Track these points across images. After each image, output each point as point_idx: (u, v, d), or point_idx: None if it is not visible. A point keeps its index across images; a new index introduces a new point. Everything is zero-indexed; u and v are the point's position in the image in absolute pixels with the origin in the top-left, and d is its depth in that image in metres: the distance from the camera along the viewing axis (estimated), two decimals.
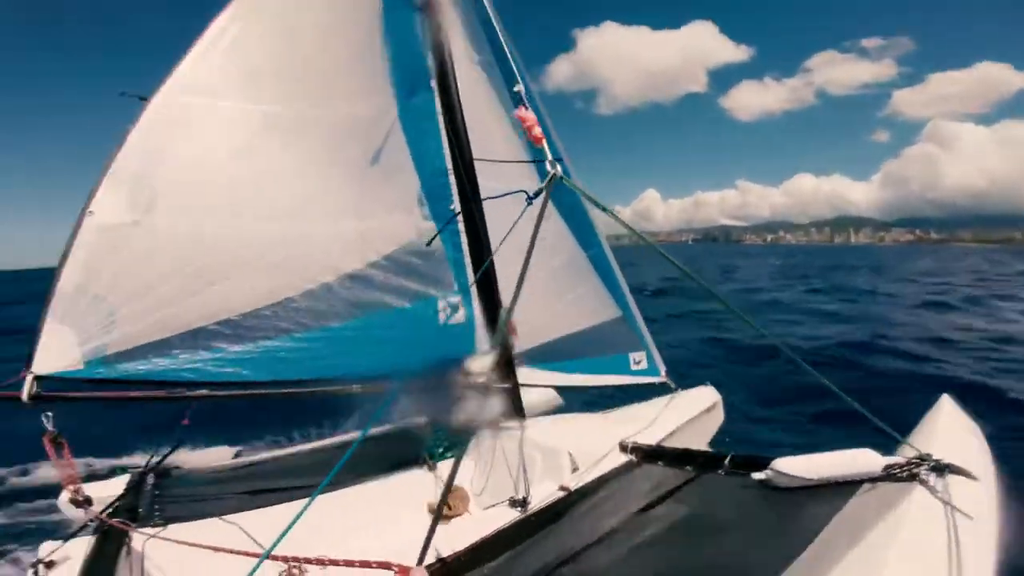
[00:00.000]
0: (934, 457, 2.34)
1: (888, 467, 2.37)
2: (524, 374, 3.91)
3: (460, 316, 3.32)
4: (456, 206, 3.29)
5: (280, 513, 2.65)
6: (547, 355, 4.05)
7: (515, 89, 2.69)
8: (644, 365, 4.28)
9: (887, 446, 2.73)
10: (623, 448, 3.32)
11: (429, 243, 3.21)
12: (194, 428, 3.56)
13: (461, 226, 3.33)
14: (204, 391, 2.75)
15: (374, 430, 3.73)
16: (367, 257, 3.08)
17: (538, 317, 3.93)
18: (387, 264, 3.17)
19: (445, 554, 2.26)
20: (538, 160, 2.31)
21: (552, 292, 4.00)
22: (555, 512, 2.69)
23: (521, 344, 3.92)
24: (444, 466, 3.25)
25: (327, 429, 5.26)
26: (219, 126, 2.80)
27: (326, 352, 2.99)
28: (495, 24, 3.29)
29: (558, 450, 3.10)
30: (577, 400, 4.61)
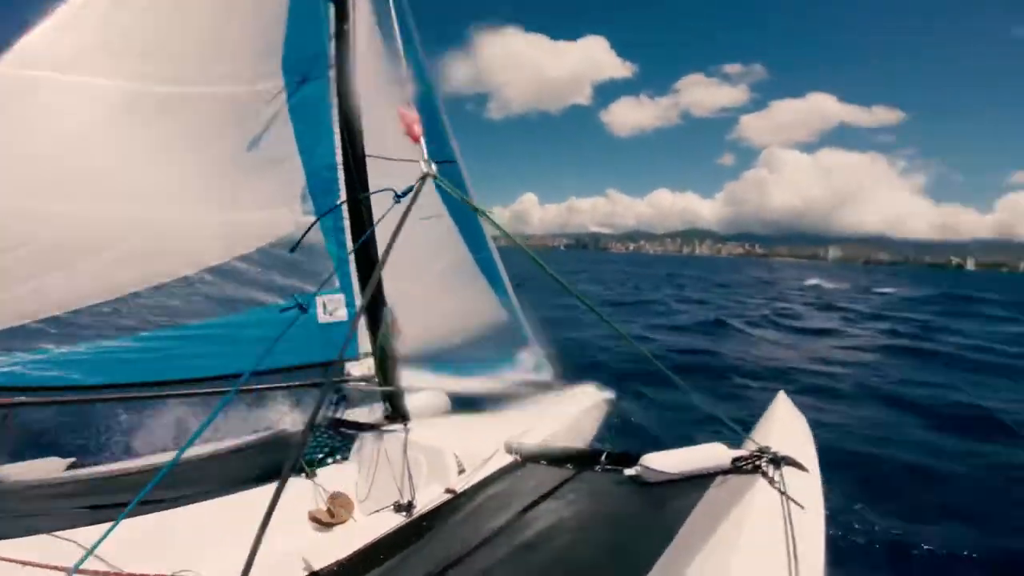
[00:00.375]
0: (772, 450, 2.62)
1: (735, 460, 2.65)
2: (409, 376, 3.82)
3: (341, 314, 3.15)
4: (341, 201, 3.12)
5: (123, 528, 2.36)
6: (433, 356, 3.98)
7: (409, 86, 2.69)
8: (532, 365, 4.35)
9: (734, 438, 3.04)
10: (508, 449, 3.36)
11: (294, 248, 3.01)
12: (26, 438, 3.08)
13: (347, 222, 3.17)
14: (22, 398, 2.36)
15: (247, 437, 3.45)
16: (235, 250, 2.84)
17: (425, 318, 3.85)
18: (259, 258, 2.94)
19: (327, 563, 2.18)
20: (411, 160, 2.27)
21: (439, 293, 3.95)
22: (441, 515, 2.67)
23: (406, 345, 3.82)
24: (325, 473, 3.05)
25: (182, 437, 4.79)
26: (67, 101, 2.48)
27: (182, 352, 2.71)
28: (405, 18, 3.21)
29: (443, 452, 3.07)
30: (465, 401, 4.58)
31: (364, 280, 3.18)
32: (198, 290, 2.75)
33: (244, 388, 2.81)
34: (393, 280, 3.19)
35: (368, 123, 3.22)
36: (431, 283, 3.86)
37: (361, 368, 3.41)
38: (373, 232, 3.06)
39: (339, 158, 3.11)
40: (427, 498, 2.80)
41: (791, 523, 2.08)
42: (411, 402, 3.66)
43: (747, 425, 3.28)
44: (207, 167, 2.81)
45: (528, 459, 3.29)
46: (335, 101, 3.09)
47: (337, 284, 3.14)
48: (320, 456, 3.26)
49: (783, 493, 2.31)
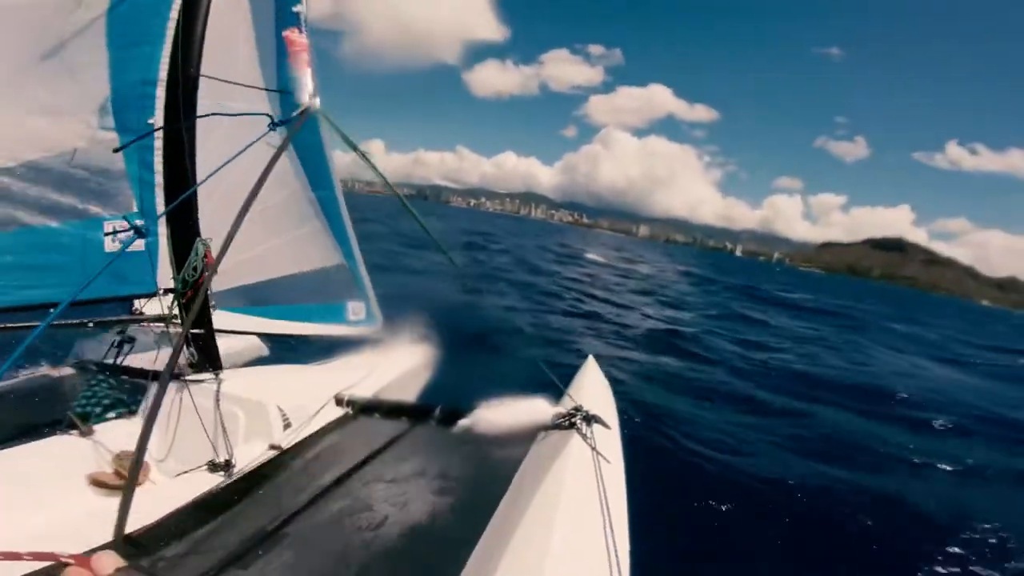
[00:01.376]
0: (585, 409, 2.93)
1: (555, 416, 2.90)
2: (224, 318, 3.35)
3: (138, 244, 2.58)
4: (157, 121, 2.56)
5: None
6: (253, 298, 3.56)
7: (295, 9, 2.42)
8: (362, 315, 4.15)
9: (556, 392, 3.34)
10: (339, 402, 3.20)
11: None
12: None
13: (158, 143, 2.61)
14: None
15: None
16: None
17: (246, 255, 3.39)
18: (27, 172, 2.29)
19: (128, 530, 1.82)
20: (286, 92, 1.98)
21: (267, 229, 3.49)
22: (267, 473, 2.44)
23: (223, 284, 3.33)
24: (104, 429, 2.52)
25: None
26: None
27: None
28: None
29: (265, 405, 2.77)
30: (284, 349, 4.20)
31: (178, 208, 2.64)
32: None
33: (6, 327, 2.19)
34: (215, 210, 2.72)
35: (215, 42, 2.69)
36: (261, 217, 3.39)
37: (156, 308, 2.86)
38: (193, 156, 2.56)
39: (163, 74, 2.56)
40: (249, 456, 2.51)
41: (601, 476, 2.34)
42: (223, 348, 3.22)
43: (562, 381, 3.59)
44: None
45: (360, 412, 3.18)
46: (175, 13, 2.55)
47: (135, 209, 2.56)
48: (98, 409, 2.71)
49: (594, 449, 2.60)
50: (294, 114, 1.78)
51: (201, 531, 1.98)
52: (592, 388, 3.75)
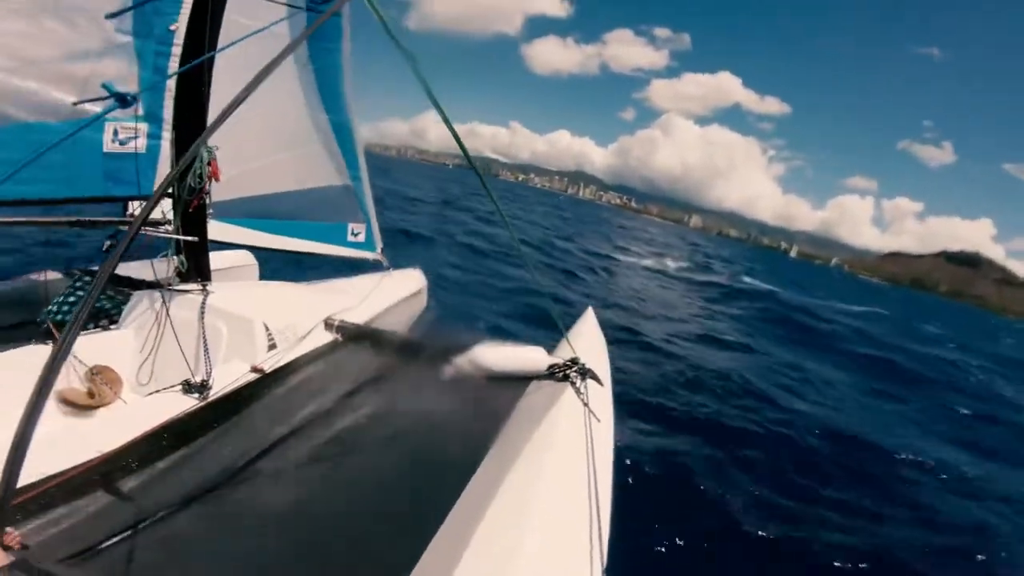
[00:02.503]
0: (580, 362, 2.89)
1: (550, 367, 2.85)
2: (219, 228, 3.15)
3: (139, 144, 2.34)
4: (177, 27, 2.27)
5: None
6: (252, 210, 3.35)
7: None
8: (362, 238, 4.00)
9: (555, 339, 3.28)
10: (328, 326, 3.08)
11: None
12: None
13: (176, 49, 2.31)
14: None
15: None
16: None
17: (252, 164, 3.15)
18: (18, 67, 2.00)
19: (89, 454, 1.72)
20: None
21: (276, 140, 3.25)
22: (245, 397, 2.31)
23: (223, 192, 3.10)
24: (82, 340, 2.30)
25: None
26: None
27: None
28: None
29: (251, 322, 2.61)
30: (277, 267, 4.03)
31: (184, 110, 2.38)
32: None
33: None
34: (232, 120, 2.45)
35: None
36: (272, 127, 3.12)
37: (156, 208, 2.64)
38: (212, 61, 2.27)
39: None
40: (228, 378, 2.36)
41: (591, 433, 2.32)
42: (215, 259, 3.05)
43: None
44: None
45: (350, 339, 3.08)
46: None
47: (140, 111, 2.29)
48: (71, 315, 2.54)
49: (586, 405, 2.59)
50: None
51: (165, 459, 1.88)
52: (589, 341, 3.70)
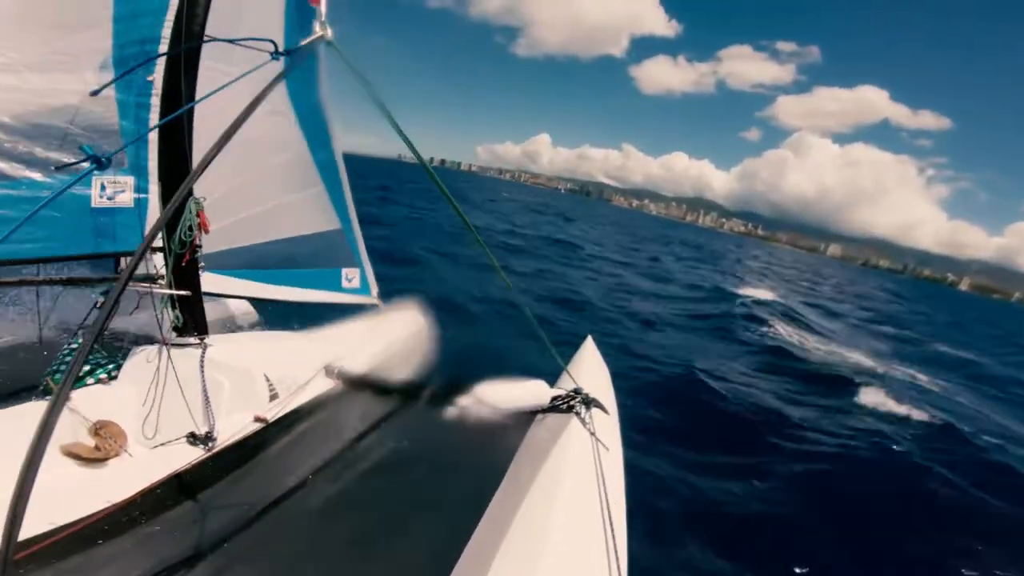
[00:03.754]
0: (583, 392, 2.88)
1: (554, 399, 2.85)
2: (213, 280, 3.19)
3: (125, 199, 2.40)
4: (156, 79, 2.37)
5: None
6: (245, 261, 3.39)
7: None
8: (356, 283, 4.03)
9: (555, 369, 3.25)
10: (328, 373, 3.10)
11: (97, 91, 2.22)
12: None
13: (155, 100, 2.41)
14: None
15: None
16: None
17: (242, 215, 3.22)
18: (16, 126, 2.13)
19: (96, 507, 1.75)
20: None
21: (265, 191, 3.32)
22: (250, 447, 2.34)
23: (214, 244, 3.16)
24: (82, 396, 2.37)
25: None
26: None
27: None
28: None
29: (252, 374, 2.66)
30: (274, 315, 4.05)
31: (168, 161, 2.45)
32: None
33: None
34: (211, 168, 2.53)
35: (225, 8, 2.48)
36: (260, 178, 3.21)
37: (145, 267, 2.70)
38: (191, 113, 2.38)
39: (167, 31, 2.35)
40: (232, 428, 2.39)
41: (600, 463, 2.32)
42: (211, 312, 3.07)
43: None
44: None
45: (351, 386, 3.09)
46: None
47: (126, 164, 2.37)
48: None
49: (593, 434, 2.57)
50: (302, 43, 1.63)
51: (175, 510, 1.90)
52: (590, 370, 3.71)
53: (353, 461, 2.39)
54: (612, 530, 1.88)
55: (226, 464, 2.20)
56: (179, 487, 2.00)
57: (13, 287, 2.54)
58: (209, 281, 3.09)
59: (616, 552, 1.78)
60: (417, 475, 2.38)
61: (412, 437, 2.66)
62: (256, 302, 3.95)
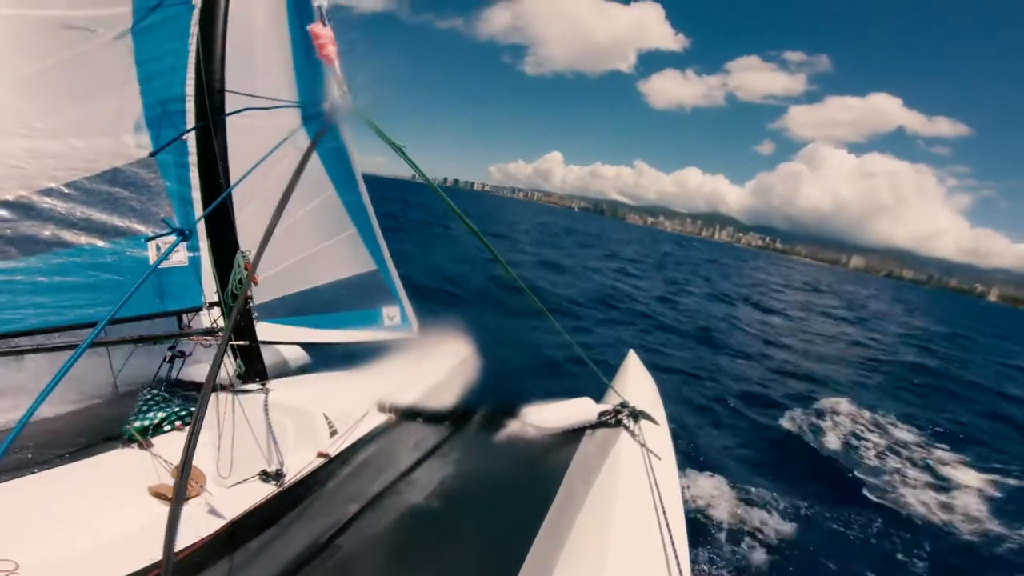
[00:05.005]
0: (631, 404, 2.88)
1: (601, 414, 2.87)
2: (265, 329, 3.45)
3: (180, 258, 2.70)
4: (189, 137, 2.68)
5: None
6: (293, 308, 3.65)
7: (315, 3, 2.44)
8: (397, 320, 4.22)
9: (601, 387, 3.28)
10: (381, 408, 3.24)
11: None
12: None
13: (192, 159, 2.72)
14: None
15: (58, 407, 2.85)
16: (36, 183, 2.30)
17: (284, 265, 3.50)
18: (71, 193, 2.41)
19: (186, 543, 1.90)
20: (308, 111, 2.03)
21: (303, 239, 3.60)
22: (316, 481, 2.48)
23: (263, 295, 3.44)
24: (163, 442, 2.64)
25: None
26: None
27: None
28: None
29: (312, 413, 2.84)
30: (324, 357, 4.30)
31: (213, 221, 2.75)
32: None
33: (59, 346, 2.31)
34: (250, 219, 2.82)
35: (237, 59, 2.80)
36: (296, 228, 3.50)
37: (205, 320, 2.99)
38: (227, 168, 2.67)
39: (190, 89, 2.66)
40: (298, 464, 2.56)
41: (653, 473, 2.34)
42: (268, 358, 3.32)
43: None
44: (8, 88, 2.28)
45: (403, 417, 3.21)
46: (195, 30, 2.65)
47: (177, 224, 2.67)
48: (156, 423, 2.83)
49: (643, 445, 2.57)
50: (339, 112, 1.84)
51: (255, 541, 2.02)
52: (636, 383, 3.69)
53: (410, 487, 2.46)
54: (671, 537, 1.88)
55: (296, 497, 2.34)
56: (256, 521, 2.14)
57: (89, 347, 2.85)
58: (262, 330, 3.37)
59: (677, 556, 1.78)
60: (473, 497, 2.42)
61: (464, 462, 2.71)
62: (307, 345, 4.20)
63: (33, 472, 2.21)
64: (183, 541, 1.91)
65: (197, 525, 2.03)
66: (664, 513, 2.02)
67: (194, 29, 2.65)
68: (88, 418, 2.82)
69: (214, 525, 2.04)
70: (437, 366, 4.10)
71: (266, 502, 2.26)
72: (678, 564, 1.75)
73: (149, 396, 2.93)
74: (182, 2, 2.61)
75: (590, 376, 3.40)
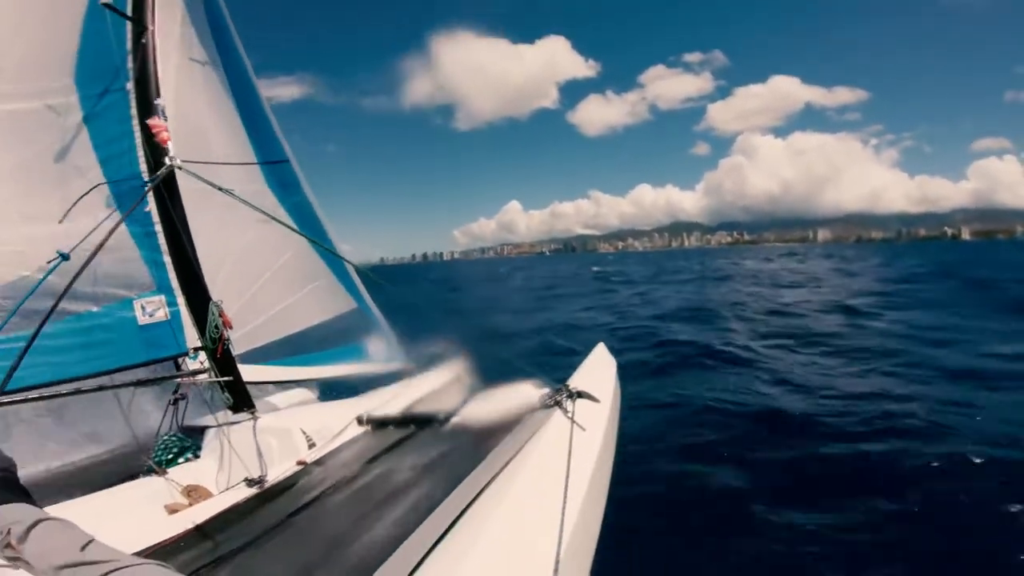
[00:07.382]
0: (571, 388, 3.02)
1: (542, 397, 3.02)
2: (262, 371, 3.96)
3: (162, 314, 3.31)
4: (150, 208, 3.29)
5: None
6: (285, 351, 4.17)
7: (156, 102, 2.95)
8: (383, 352, 4.59)
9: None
10: (360, 420, 3.53)
11: (81, 266, 2.92)
12: None
13: (158, 227, 3.33)
14: None
15: (92, 449, 3.49)
16: (35, 263, 2.92)
17: (269, 314, 4.05)
18: (69, 270, 3.07)
19: (179, 531, 2.33)
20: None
21: (281, 288, 4.13)
22: (291, 483, 2.83)
23: (252, 341, 3.99)
24: (176, 471, 3.19)
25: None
26: None
27: None
28: (223, 30, 3.53)
29: (291, 430, 3.27)
30: (329, 394, 4.73)
31: (184, 279, 3.34)
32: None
33: (69, 392, 2.88)
34: (228, 278, 3.39)
35: (184, 129, 3.37)
36: (275, 280, 4.02)
37: (194, 364, 3.57)
38: (188, 232, 3.27)
39: (143, 166, 3.23)
40: (279, 471, 2.94)
41: (571, 441, 2.46)
42: (277, 401, 3.87)
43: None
44: None
45: (378, 427, 3.50)
46: (135, 112, 3.23)
47: (155, 287, 3.30)
48: (170, 457, 3.40)
49: (571, 419, 2.72)
50: (158, 173, 2.26)
51: (235, 528, 2.40)
52: (592, 370, 3.78)
53: (372, 484, 2.69)
54: (565, 504, 1.98)
55: (272, 495, 2.71)
56: (237, 515, 2.53)
57: (94, 392, 3.24)
58: (260, 372, 3.89)
59: (563, 522, 1.88)
60: (411, 486, 2.56)
61: (415, 457, 2.92)
62: (311, 384, 4.66)
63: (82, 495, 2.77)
64: (170, 532, 2.31)
65: (190, 520, 2.42)
66: (568, 479, 2.11)
67: (134, 111, 3.19)
68: (121, 453, 3.42)
69: (201, 518, 2.43)
70: (425, 385, 4.39)
71: (246, 500, 2.66)
72: (561, 526, 1.85)
73: (167, 437, 3.52)
74: (122, 90, 3.17)
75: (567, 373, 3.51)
